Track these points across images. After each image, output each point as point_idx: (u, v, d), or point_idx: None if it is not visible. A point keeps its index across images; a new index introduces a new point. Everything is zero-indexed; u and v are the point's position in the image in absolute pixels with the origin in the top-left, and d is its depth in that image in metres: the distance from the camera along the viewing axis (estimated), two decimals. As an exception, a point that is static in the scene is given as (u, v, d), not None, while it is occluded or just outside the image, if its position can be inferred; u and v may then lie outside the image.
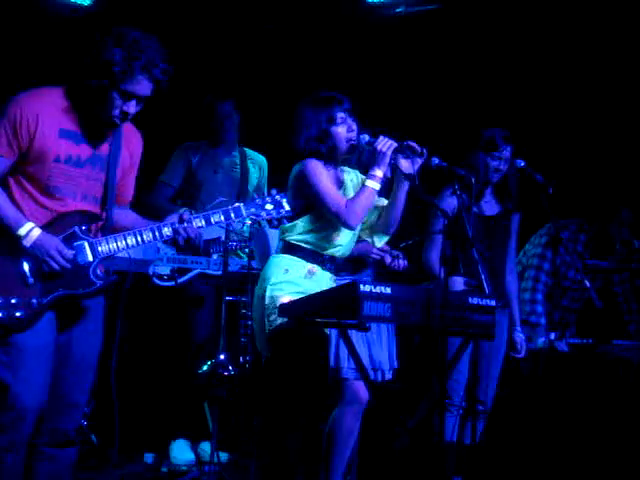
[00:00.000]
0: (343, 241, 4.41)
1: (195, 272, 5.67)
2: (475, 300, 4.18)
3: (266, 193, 5.87)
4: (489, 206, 5.20)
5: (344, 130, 4.37)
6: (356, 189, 4.44)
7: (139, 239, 3.73)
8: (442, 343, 4.09)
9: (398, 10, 6.54)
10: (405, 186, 4.37)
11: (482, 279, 4.26)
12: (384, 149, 4.25)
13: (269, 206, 3.93)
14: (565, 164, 6.24)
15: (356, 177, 4.54)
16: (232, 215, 3.87)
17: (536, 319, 5.64)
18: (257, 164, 6.05)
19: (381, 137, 4.29)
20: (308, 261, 4.35)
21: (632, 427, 5.19)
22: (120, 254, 3.89)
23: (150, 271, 5.65)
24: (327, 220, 4.34)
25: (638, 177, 6.32)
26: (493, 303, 4.24)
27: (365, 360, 4.46)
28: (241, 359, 5.19)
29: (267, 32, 6.91)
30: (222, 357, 5.04)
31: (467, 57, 6.59)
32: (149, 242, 3.76)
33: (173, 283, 5.66)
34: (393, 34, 6.61)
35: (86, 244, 3.67)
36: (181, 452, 5.67)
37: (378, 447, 5.19)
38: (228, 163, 5.96)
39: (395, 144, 4.27)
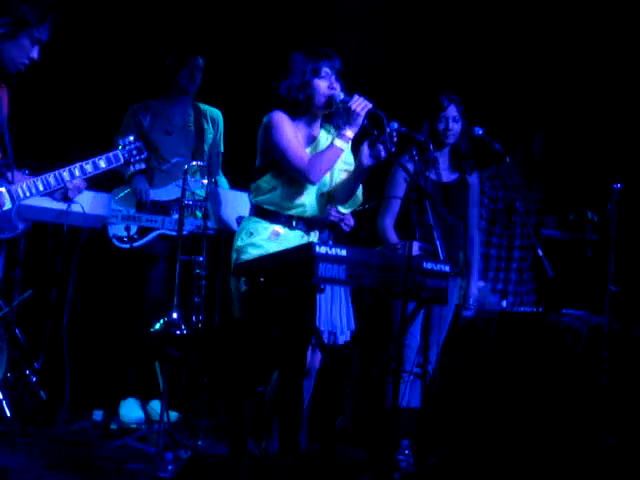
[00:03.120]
0: (306, 200, 4.37)
1: (155, 233, 5.64)
2: (429, 265, 4.20)
3: (221, 146, 5.97)
4: (446, 173, 5.22)
5: (325, 85, 4.33)
6: None
7: (46, 184, 3.96)
8: (402, 307, 4.08)
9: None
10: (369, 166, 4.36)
11: (437, 244, 4.29)
12: (358, 109, 4.22)
13: (134, 152, 4.38)
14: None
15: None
16: (113, 160, 4.27)
17: (484, 284, 5.71)
18: (212, 119, 5.99)
19: (356, 96, 4.25)
20: (272, 222, 4.33)
21: (577, 395, 5.27)
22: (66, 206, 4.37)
23: (110, 233, 5.61)
24: (288, 177, 4.31)
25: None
26: (447, 269, 4.26)
27: (318, 323, 4.45)
28: (194, 318, 5.17)
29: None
30: (175, 316, 5.02)
31: (425, 25, 6.59)
32: (56, 186, 4.02)
33: (129, 245, 5.63)
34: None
35: (4, 190, 3.78)
36: (130, 410, 5.67)
37: (329, 411, 5.22)
38: (181, 122, 5.89)
39: (369, 105, 4.24)
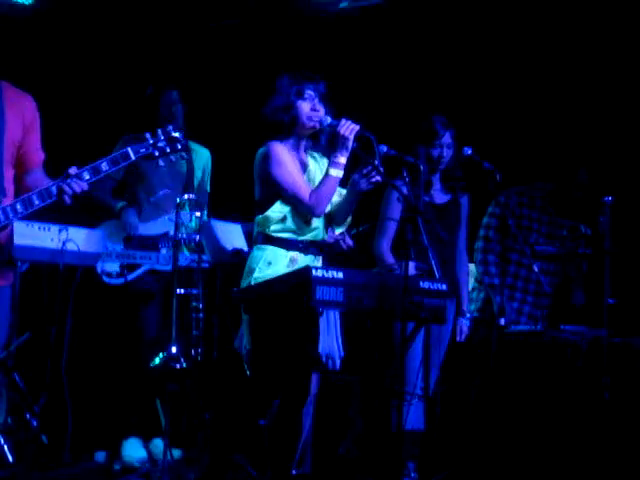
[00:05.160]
0: (319, 223, 4.43)
1: (144, 268, 5.64)
2: (426, 284, 4.22)
3: (207, 186, 5.97)
4: (438, 195, 5.24)
5: (308, 106, 4.39)
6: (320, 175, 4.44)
7: (28, 204, 3.68)
8: (402, 328, 4.08)
9: (342, 5, 6.59)
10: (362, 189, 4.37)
11: (432, 264, 4.30)
12: (346, 133, 4.26)
13: (161, 143, 3.93)
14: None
15: (323, 165, 4.51)
16: (120, 159, 3.85)
17: (489, 280, 5.68)
18: (201, 157, 6.01)
19: (343, 120, 4.30)
20: (289, 249, 4.35)
21: (580, 411, 5.25)
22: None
23: (99, 269, 5.60)
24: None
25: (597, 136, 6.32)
26: (444, 287, 4.28)
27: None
28: (192, 352, 5.15)
29: (213, 29, 6.92)
30: (174, 350, 5.00)
31: (408, 50, 6.63)
32: (39, 205, 3.70)
33: (122, 280, 5.63)
34: (337, 29, 6.65)
35: None
36: (133, 450, 5.61)
37: (332, 435, 5.20)
38: (173, 155, 5.89)
39: (357, 127, 4.27)
